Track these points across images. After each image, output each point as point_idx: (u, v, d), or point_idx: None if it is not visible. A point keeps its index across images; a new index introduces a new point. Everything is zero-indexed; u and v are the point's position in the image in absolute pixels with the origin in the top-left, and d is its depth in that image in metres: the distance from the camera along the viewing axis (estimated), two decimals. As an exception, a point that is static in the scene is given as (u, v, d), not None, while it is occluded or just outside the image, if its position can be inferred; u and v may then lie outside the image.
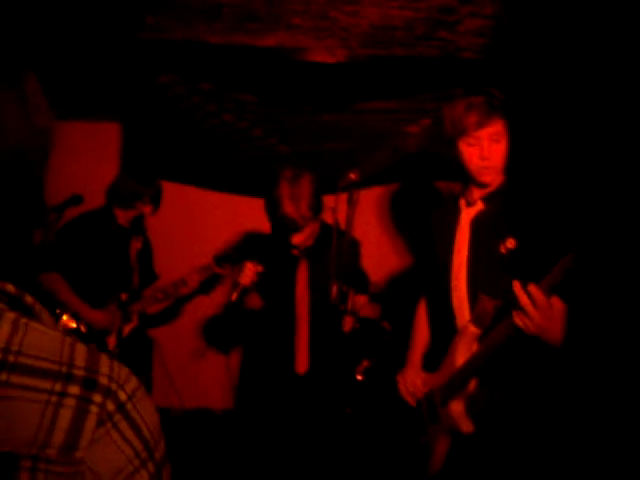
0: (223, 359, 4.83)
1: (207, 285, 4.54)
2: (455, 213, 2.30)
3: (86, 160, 3.64)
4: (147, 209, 3.66)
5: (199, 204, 4.72)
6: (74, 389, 0.66)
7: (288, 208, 2.65)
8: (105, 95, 3.90)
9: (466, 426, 2.14)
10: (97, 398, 0.67)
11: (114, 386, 0.69)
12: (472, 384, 2.13)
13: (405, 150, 3.77)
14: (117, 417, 0.68)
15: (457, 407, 2.17)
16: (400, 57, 2.83)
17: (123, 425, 0.69)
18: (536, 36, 2.85)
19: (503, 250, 2.06)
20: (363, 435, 3.59)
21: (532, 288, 1.80)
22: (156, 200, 3.69)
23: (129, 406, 0.70)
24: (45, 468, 0.63)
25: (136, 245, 3.75)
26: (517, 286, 1.83)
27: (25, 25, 2.82)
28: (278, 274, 2.94)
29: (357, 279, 2.83)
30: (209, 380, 4.81)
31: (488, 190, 2.20)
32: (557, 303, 1.83)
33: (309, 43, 2.85)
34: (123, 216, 3.67)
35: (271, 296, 3.00)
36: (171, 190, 4.67)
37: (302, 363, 2.88)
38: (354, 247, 2.91)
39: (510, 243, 2.05)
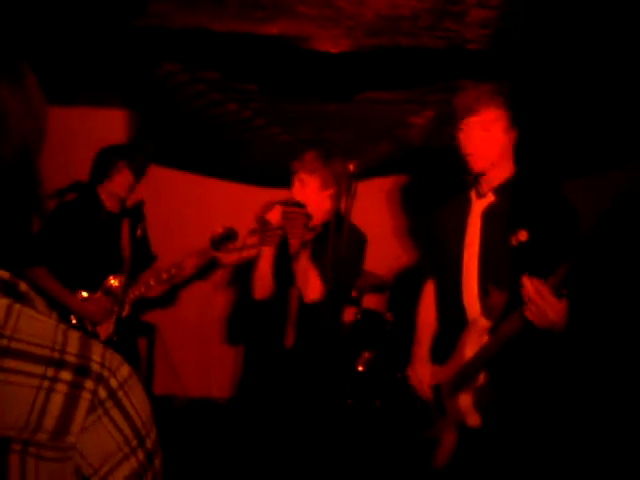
0: (226, 347, 4.84)
1: (206, 270, 4.54)
2: (466, 205, 2.29)
3: (89, 146, 3.63)
4: (124, 176, 3.51)
5: (201, 191, 4.73)
6: (66, 375, 0.66)
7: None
8: (109, 82, 3.88)
9: (473, 420, 2.14)
10: (89, 384, 0.68)
11: (106, 373, 0.69)
12: (481, 377, 2.12)
13: (408, 141, 3.75)
14: (108, 404, 0.69)
15: (465, 400, 2.16)
16: (405, 47, 2.80)
17: (114, 412, 0.69)
18: (542, 28, 2.82)
19: (514, 242, 2.05)
20: (365, 427, 3.60)
21: (540, 285, 1.80)
22: (133, 166, 3.52)
23: (120, 393, 0.70)
24: (36, 452, 0.63)
25: (127, 230, 3.66)
26: (527, 282, 1.83)
27: (29, 12, 2.81)
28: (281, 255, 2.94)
29: (349, 278, 2.77)
30: (212, 368, 4.82)
31: (498, 182, 2.18)
32: (564, 294, 1.83)
33: (313, 32, 2.83)
34: (110, 200, 3.56)
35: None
36: (173, 177, 4.68)
37: (290, 337, 2.87)
38: (360, 244, 2.84)
39: (522, 235, 2.04)
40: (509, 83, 2.18)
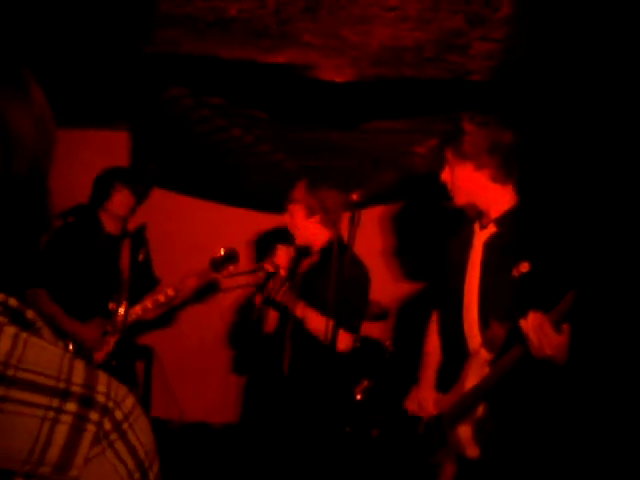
0: (223, 372, 4.82)
1: (205, 293, 4.52)
2: (469, 236, 2.30)
3: (94, 168, 3.65)
4: (124, 196, 3.50)
5: (204, 215, 4.74)
6: (71, 406, 0.65)
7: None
8: (113, 105, 3.91)
9: (472, 451, 2.12)
10: (94, 416, 0.66)
11: (111, 404, 0.68)
12: (480, 409, 2.11)
13: (411, 170, 3.77)
14: (113, 436, 0.67)
15: (465, 431, 2.14)
16: (409, 78, 2.83)
17: (118, 444, 0.68)
18: (546, 60, 2.85)
19: (516, 273, 2.05)
20: (363, 455, 3.56)
21: (541, 320, 1.81)
22: (132, 187, 3.52)
23: (125, 425, 0.69)
24: None
25: (127, 253, 3.67)
26: (525, 323, 1.84)
27: (38, 36, 2.84)
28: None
29: (349, 313, 2.80)
30: (209, 393, 4.79)
31: (499, 213, 2.19)
32: (566, 328, 1.83)
33: (319, 61, 2.86)
34: (110, 222, 3.56)
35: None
36: (175, 200, 4.70)
37: (286, 363, 2.92)
38: (361, 280, 2.91)
39: (524, 267, 2.04)
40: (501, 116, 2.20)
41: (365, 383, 3.68)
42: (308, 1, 2.57)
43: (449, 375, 2.28)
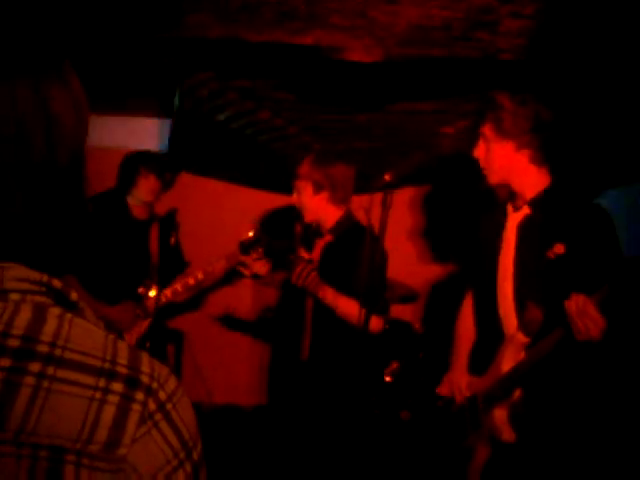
0: (253, 355, 4.85)
1: (232, 275, 4.53)
2: (502, 218, 2.27)
3: (121, 154, 3.67)
4: (150, 181, 3.56)
5: (232, 199, 4.75)
6: (117, 386, 0.66)
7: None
8: (142, 90, 3.93)
9: (508, 434, 2.11)
10: (139, 396, 0.67)
11: (155, 385, 0.69)
12: (517, 393, 2.10)
13: (440, 151, 3.74)
14: (158, 416, 0.68)
15: (500, 415, 2.13)
16: (438, 58, 2.79)
17: (163, 424, 0.69)
18: (577, 37, 2.80)
19: (551, 255, 2.02)
20: (392, 438, 3.57)
21: (585, 302, 1.79)
22: (157, 171, 3.57)
23: (169, 406, 0.70)
24: (89, 464, 0.63)
25: (155, 237, 3.70)
26: (572, 301, 1.82)
27: (67, 21, 2.86)
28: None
29: (376, 294, 2.77)
30: (239, 376, 4.84)
31: (532, 194, 2.16)
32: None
33: (346, 42, 2.84)
34: (137, 207, 3.61)
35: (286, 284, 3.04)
36: (204, 184, 4.72)
37: (305, 350, 2.89)
38: (382, 260, 2.82)
39: (559, 249, 2.01)
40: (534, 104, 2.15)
41: (394, 365, 3.68)
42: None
43: (483, 357, 2.27)
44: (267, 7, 2.66)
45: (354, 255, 2.70)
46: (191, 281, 3.53)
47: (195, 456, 0.72)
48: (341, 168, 2.86)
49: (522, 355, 2.08)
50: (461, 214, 2.88)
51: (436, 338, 3.38)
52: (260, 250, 3.10)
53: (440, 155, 3.79)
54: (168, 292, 3.54)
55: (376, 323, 2.72)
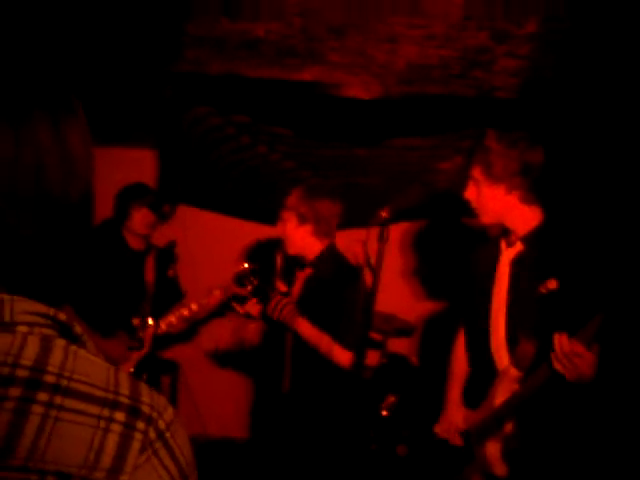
0: (244, 387, 4.83)
1: (226, 307, 4.51)
2: (495, 254, 2.29)
3: (120, 186, 3.70)
4: (143, 214, 3.57)
5: (229, 231, 4.76)
6: (120, 415, 0.68)
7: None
8: (142, 122, 3.97)
9: (500, 469, 2.11)
10: (140, 425, 0.69)
11: (155, 414, 0.71)
12: (509, 426, 2.10)
13: (436, 187, 3.77)
14: (157, 444, 0.70)
15: (493, 448, 2.13)
16: (435, 95, 2.85)
17: (162, 453, 0.70)
18: (571, 76, 2.86)
19: (544, 290, 2.04)
20: (389, 473, 3.55)
21: (572, 341, 1.80)
22: (149, 203, 3.58)
23: (167, 434, 0.71)
24: None
25: (151, 268, 3.71)
26: (557, 340, 1.83)
27: (67, 56, 2.90)
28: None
29: (350, 330, 2.76)
30: (231, 407, 4.80)
31: (525, 231, 2.18)
32: (595, 348, 1.82)
33: (345, 78, 2.89)
34: (133, 238, 3.62)
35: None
36: (201, 217, 4.73)
37: (285, 382, 2.88)
38: (361, 296, 2.77)
39: (551, 284, 2.03)
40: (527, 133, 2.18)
41: (391, 399, 3.67)
42: (334, 20, 2.60)
43: (476, 392, 2.28)
44: (266, 45, 2.71)
45: (333, 289, 2.72)
46: (185, 312, 3.51)
47: None
48: (327, 203, 2.86)
49: (515, 388, 2.08)
50: (454, 250, 2.89)
51: (432, 372, 3.38)
52: (255, 282, 3.10)
53: (437, 191, 3.82)
54: (163, 324, 3.52)
55: (343, 356, 2.69)
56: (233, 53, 2.76)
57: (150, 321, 3.51)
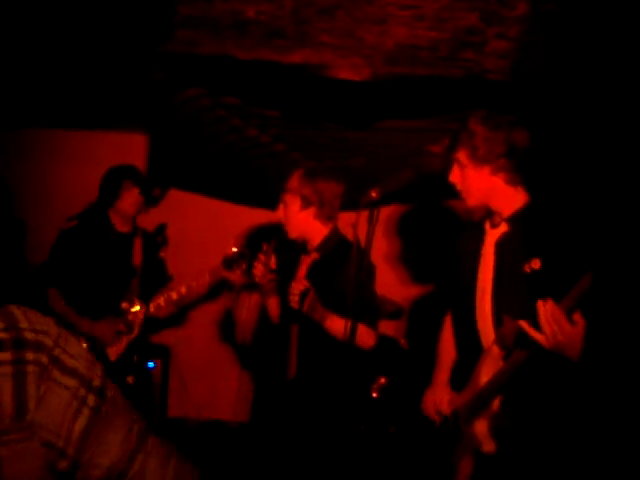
0: (238, 371, 4.84)
1: (219, 291, 4.52)
2: (480, 235, 2.30)
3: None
4: (132, 194, 3.55)
5: (218, 214, 4.77)
6: (6, 355, 0.67)
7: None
8: (133, 106, 3.95)
9: (488, 446, 2.13)
10: (29, 356, 0.67)
11: (40, 337, 0.69)
12: (496, 404, 2.12)
13: (427, 170, 3.78)
14: (50, 367, 0.68)
15: (481, 426, 2.15)
16: (425, 77, 2.84)
17: (56, 373, 0.69)
18: (561, 58, 2.86)
19: (528, 270, 2.05)
20: (379, 453, 3.58)
21: (552, 307, 1.81)
22: (140, 184, 3.57)
23: (57, 351, 0.70)
24: (6, 440, 0.64)
25: (139, 251, 3.67)
26: (539, 305, 1.84)
27: (55, 37, 2.87)
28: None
29: (367, 307, 2.73)
30: (224, 392, 4.82)
31: (510, 212, 2.20)
32: (579, 319, 1.83)
33: (334, 60, 2.87)
34: (120, 220, 3.60)
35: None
36: (191, 200, 4.73)
37: (291, 369, 2.85)
38: (370, 272, 2.79)
39: (535, 263, 2.04)
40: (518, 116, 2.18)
41: (381, 381, 3.69)
42: (325, 2, 2.59)
43: (464, 374, 2.30)
44: (256, 26, 2.69)
45: (342, 273, 2.68)
46: (174, 296, 3.52)
47: (96, 382, 0.71)
48: (331, 184, 2.82)
49: (500, 366, 2.10)
50: (440, 232, 2.90)
51: (420, 354, 3.40)
52: (243, 266, 3.08)
53: (427, 173, 3.83)
54: (151, 306, 3.52)
55: (367, 336, 2.67)
56: (224, 34, 2.74)
57: (138, 305, 3.52)
